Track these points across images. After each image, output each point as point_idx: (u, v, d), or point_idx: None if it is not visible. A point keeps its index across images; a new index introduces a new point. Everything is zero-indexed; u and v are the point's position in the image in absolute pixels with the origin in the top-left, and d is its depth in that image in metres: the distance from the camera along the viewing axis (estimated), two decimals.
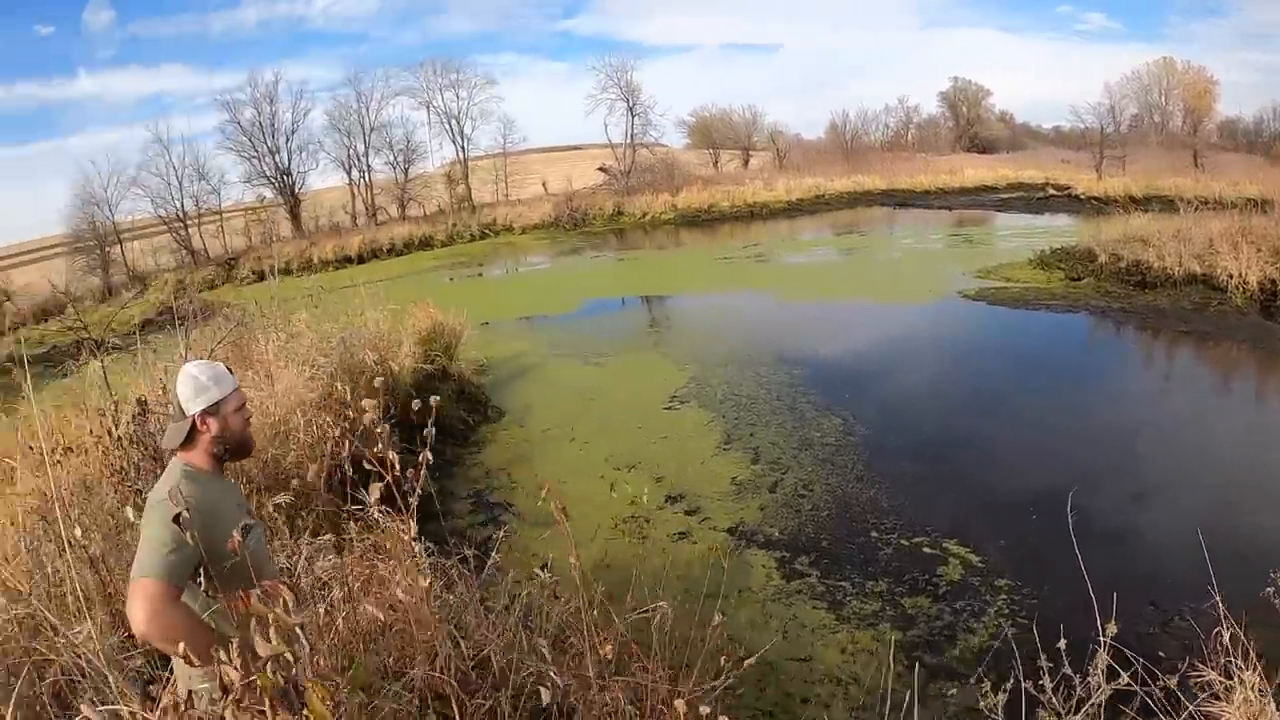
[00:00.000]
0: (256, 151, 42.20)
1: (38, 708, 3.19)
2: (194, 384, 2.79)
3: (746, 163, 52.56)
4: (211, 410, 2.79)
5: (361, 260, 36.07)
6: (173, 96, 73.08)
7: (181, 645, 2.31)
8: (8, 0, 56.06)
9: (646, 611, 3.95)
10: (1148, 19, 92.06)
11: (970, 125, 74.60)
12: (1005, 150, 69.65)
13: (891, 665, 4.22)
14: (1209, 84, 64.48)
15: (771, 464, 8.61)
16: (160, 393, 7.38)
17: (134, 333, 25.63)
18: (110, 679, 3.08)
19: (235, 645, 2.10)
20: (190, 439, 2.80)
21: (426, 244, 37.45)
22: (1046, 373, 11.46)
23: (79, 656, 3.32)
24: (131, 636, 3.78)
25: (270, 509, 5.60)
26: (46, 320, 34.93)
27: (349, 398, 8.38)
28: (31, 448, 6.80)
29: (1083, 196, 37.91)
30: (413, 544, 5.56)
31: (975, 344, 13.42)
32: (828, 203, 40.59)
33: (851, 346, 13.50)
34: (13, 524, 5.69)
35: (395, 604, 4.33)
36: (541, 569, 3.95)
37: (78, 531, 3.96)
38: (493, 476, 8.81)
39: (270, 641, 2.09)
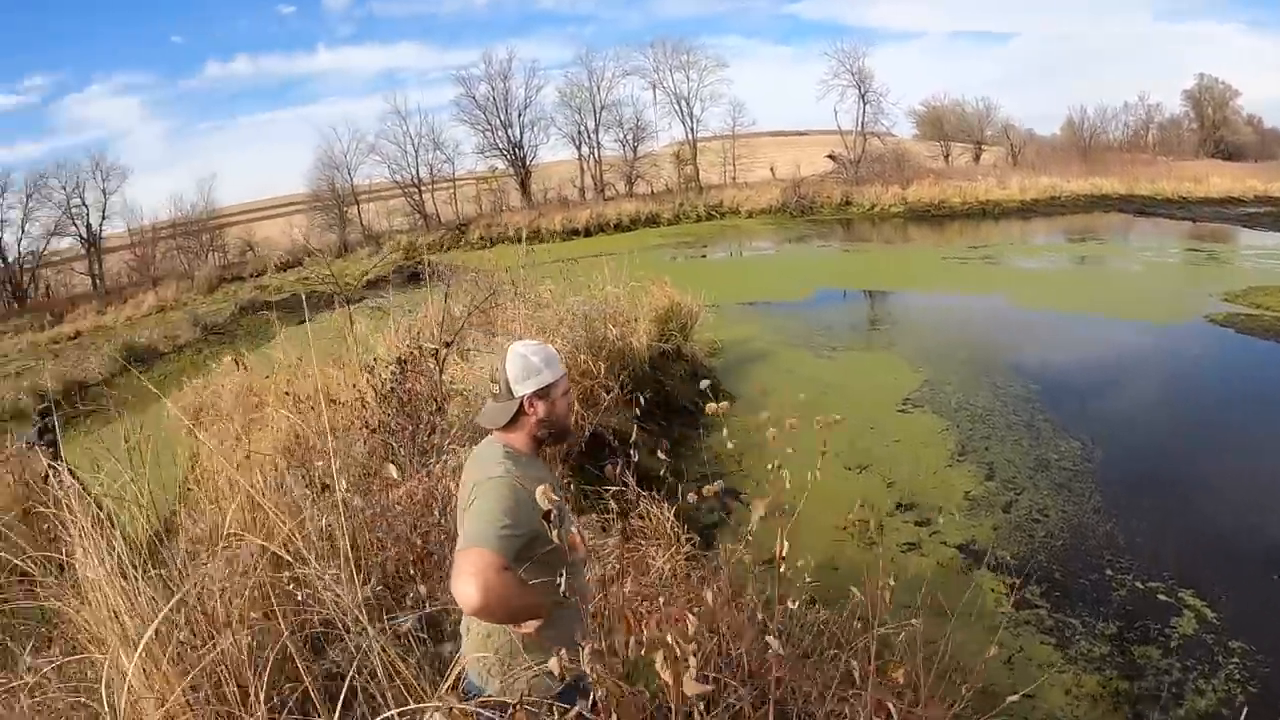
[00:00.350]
0: (490, 125, 44.64)
1: (290, 650, 3.13)
2: (525, 365, 2.75)
3: (978, 157, 50.67)
4: (541, 393, 2.76)
5: (588, 234, 37.32)
6: (407, 72, 78.20)
7: (519, 611, 2.50)
8: None
9: (894, 628, 3.88)
10: None
11: (1216, 128, 69.13)
12: (1253, 158, 64.11)
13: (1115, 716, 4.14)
14: None
15: (1006, 482, 8.48)
16: (403, 347, 7.81)
17: (370, 286, 27.78)
18: (369, 630, 3.07)
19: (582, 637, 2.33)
20: (514, 420, 2.79)
21: (653, 221, 38.25)
22: None
23: (337, 601, 3.32)
24: (383, 587, 4.17)
25: None
26: (285, 270, 39.16)
27: (597, 372, 9.02)
28: (287, 393, 7.36)
29: None
30: (671, 527, 5.96)
31: (1222, 375, 12.52)
32: (1063, 205, 38.52)
33: (1090, 364, 13.02)
34: (266, 464, 6.07)
35: (650, 589, 4.50)
36: (767, 563, 3.73)
37: (343, 484, 4.02)
38: (721, 462, 8.82)
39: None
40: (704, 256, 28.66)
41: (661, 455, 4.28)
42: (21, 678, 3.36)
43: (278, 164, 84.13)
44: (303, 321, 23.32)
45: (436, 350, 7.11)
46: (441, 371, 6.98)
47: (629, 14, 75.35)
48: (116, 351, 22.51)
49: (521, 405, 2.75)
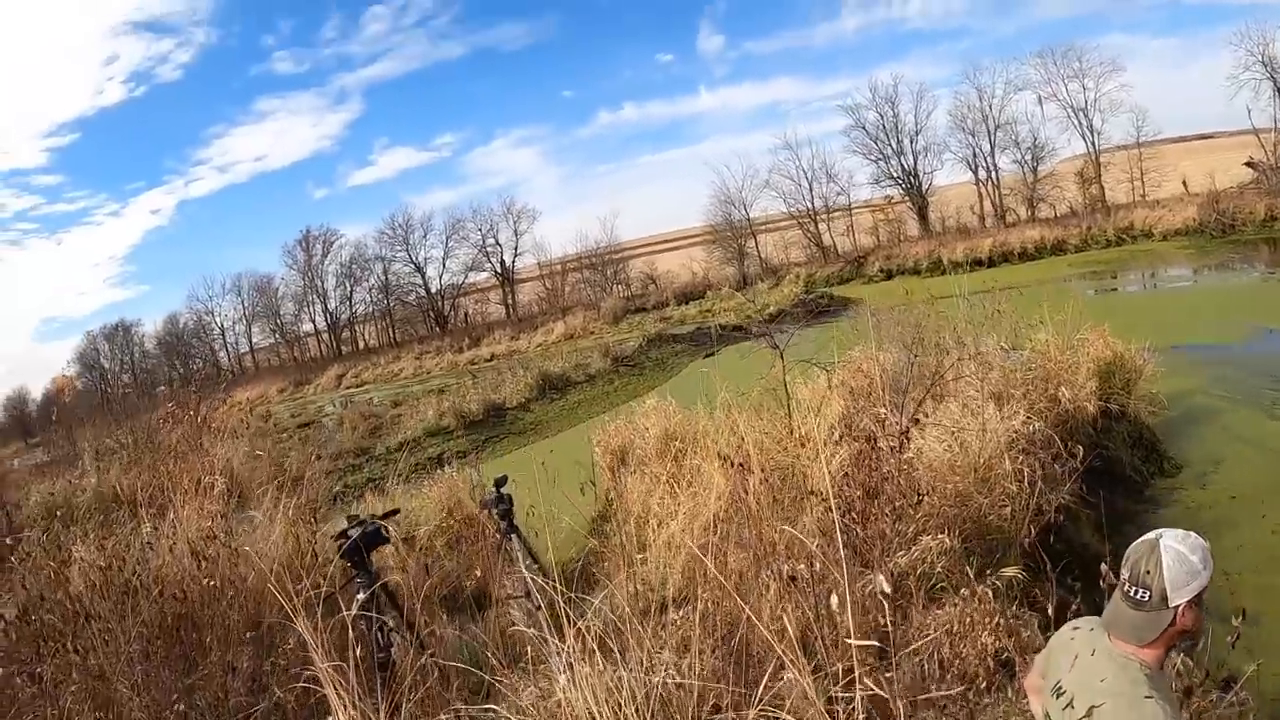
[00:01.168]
0: (882, 153, 45.29)
1: None
2: (1187, 567, 2.24)
3: None
4: (1196, 600, 2.26)
5: (992, 263, 36.04)
6: (787, 104, 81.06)
7: None
8: (632, 39, 71.21)
9: None
10: None
11: None
12: None
13: None
14: None
15: None
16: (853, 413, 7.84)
17: (772, 320, 26.26)
18: None
19: None
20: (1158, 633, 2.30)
21: (1059, 248, 36.24)
22: None
23: None
24: None
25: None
26: (686, 303, 41.92)
27: (1054, 444, 7.77)
28: (724, 459, 6.63)
29: None
30: None
31: None
32: None
33: None
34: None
35: None
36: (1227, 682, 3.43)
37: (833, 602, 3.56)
38: None
39: None
40: (1115, 290, 26.12)
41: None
42: None
43: (673, 200, 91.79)
44: (710, 354, 25.45)
45: (903, 431, 6.22)
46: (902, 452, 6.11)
47: (1001, 23, 73.14)
48: (533, 379, 24.19)
49: (1175, 615, 2.26)
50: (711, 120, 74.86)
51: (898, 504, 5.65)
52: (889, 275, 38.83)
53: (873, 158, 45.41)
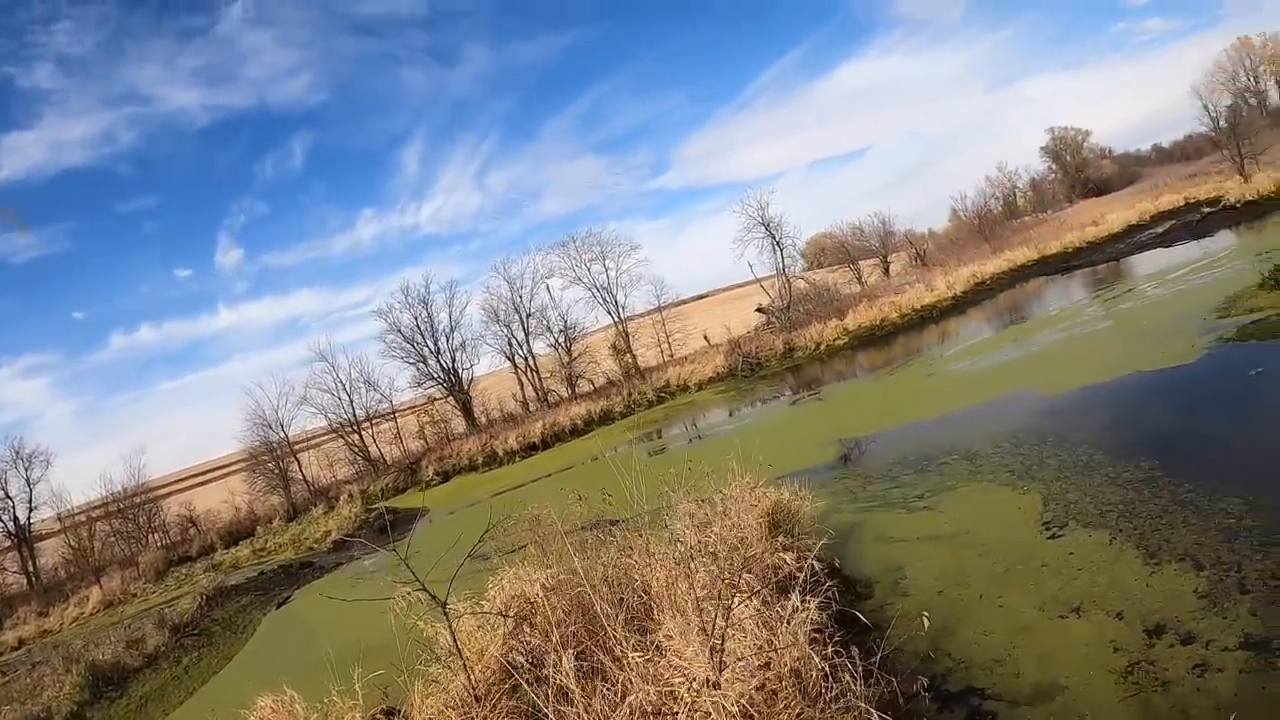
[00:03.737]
0: (420, 354, 44.33)
1: None
2: None
3: (888, 270, 51.82)
4: None
5: (546, 445, 36.16)
6: (308, 317, 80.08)
7: None
8: (148, 251, 65.35)
9: None
10: (1201, 4, 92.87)
11: (1079, 171, 73.86)
12: (1119, 187, 68.35)
13: None
14: None
15: (1217, 565, 7.72)
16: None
17: (338, 547, 25.30)
18: None
19: None
20: None
21: (606, 418, 37.37)
22: None
23: None
24: None
25: None
26: (235, 545, 36.34)
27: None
28: None
29: (1238, 204, 37.34)
30: None
31: None
32: (990, 287, 39.61)
33: (1180, 423, 12.05)
34: None
35: None
36: None
37: None
38: (934, 662, 7.58)
39: None
40: (664, 448, 26.95)
41: None
42: None
43: (202, 428, 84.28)
44: (283, 602, 21.87)
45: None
46: None
47: (508, 224, 78.83)
48: (80, 675, 17.91)
49: None
50: (233, 338, 71.06)
51: None
52: (446, 477, 37.61)
53: (411, 360, 44.62)
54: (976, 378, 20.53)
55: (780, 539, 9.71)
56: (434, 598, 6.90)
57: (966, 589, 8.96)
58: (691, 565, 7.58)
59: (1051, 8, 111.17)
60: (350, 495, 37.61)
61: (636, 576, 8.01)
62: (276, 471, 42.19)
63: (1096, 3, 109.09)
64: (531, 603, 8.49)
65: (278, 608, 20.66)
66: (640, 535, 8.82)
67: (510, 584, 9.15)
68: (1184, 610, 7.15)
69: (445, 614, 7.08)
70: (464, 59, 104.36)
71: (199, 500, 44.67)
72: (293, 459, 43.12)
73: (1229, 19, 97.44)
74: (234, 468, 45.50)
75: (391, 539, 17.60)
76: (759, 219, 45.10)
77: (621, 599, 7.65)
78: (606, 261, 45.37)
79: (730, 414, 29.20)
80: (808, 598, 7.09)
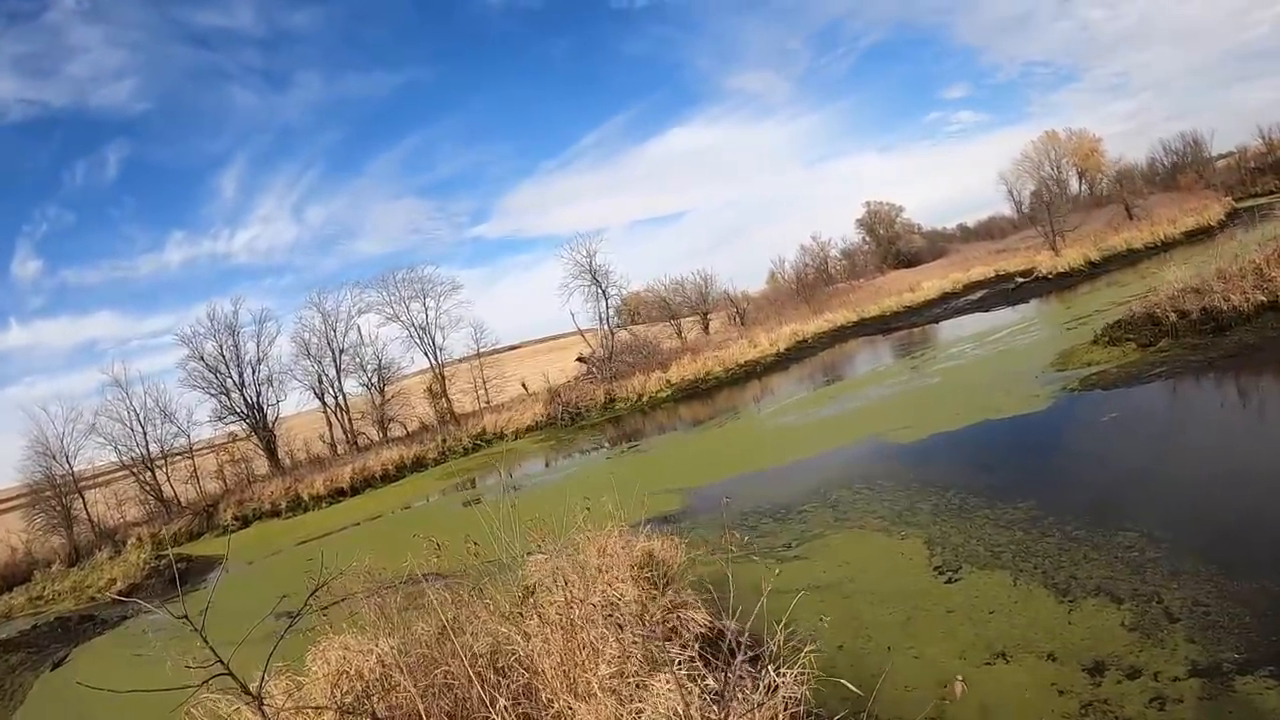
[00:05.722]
0: (223, 386, 40.92)
1: None
2: None
3: (707, 327, 52.27)
4: None
5: (355, 491, 34.11)
6: (106, 342, 74.11)
7: None
8: None
9: None
10: (1011, 102, 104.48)
11: (891, 243, 77.96)
12: (929, 259, 72.44)
13: None
14: (1094, 143, 71.16)
15: (1135, 597, 7.49)
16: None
17: (124, 597, 21.88)
18: None
19: None
20: None
21: (419, 464, 35.69)
22: None
23: None
24: None
25: None
26: (10, 591, 31.55)
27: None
28: None
29: (1050, 275, 40.00)
30: None
31: (1169, 434, 12.07)
32: (812, 345, 40.41)
33: (1048, 464, 12.05)
34: None
35: None
36: None
37: None
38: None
39: None
40: (515, 490, 24.26)
41: None
42: None
43: None
44: (59, 663, 18.57)
45: None
46: None
47: (324, 260, 75.85)
48: None
49: None
50: (23, 358, 64.59)
51: None
52: (245, 522, 34.46)
53: (213, 391, 40.86)
54: (816, 428, 20.17)
55: (669, 596, 8.51)
56: (245, 689, 4.93)
57: (870, 641, 8.29)
58: (590, 635, 6.25)
59: (873, 93, 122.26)
60: (139, 539, 33.71)
61: (516, 649, 6.40)
62: (59, 509, 36.78)
63: (915, 92, 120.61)
64: (367, 682, 6.54)
65: (52, 669, 17.67)
66: (494, 595, 7.64)
67: (337, 656, 7.18)
68: (1118, 645, 6.80)
69: (261, 710, 5.13)
70: (296, 84, 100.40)
71: None
72: (77, 496, 37.92)
73: (1034, 116, 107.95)
74: (14, 502, 39.72)
75: (182, 593, 15.05)
76: (586, 266, 44.40)
77: (500, 681, 6.07)
78: (427, 300, 43.61)
79: (548, 464, 28.16)
80: (783, 669, 5.89)
